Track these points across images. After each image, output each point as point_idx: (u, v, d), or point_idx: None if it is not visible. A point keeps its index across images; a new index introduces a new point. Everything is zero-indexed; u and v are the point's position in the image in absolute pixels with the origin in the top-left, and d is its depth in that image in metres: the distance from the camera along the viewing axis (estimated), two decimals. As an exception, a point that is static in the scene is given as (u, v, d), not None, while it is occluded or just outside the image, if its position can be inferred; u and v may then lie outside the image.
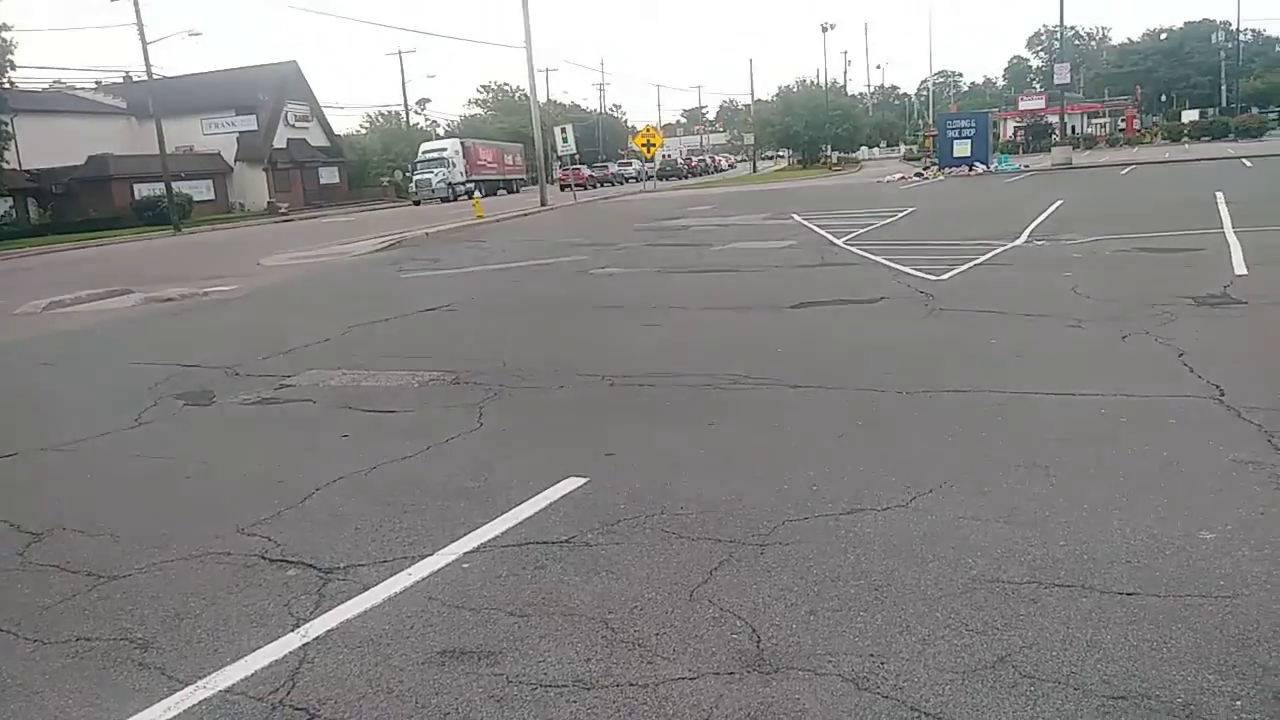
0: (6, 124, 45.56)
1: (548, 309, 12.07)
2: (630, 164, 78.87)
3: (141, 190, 52.34)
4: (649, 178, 59.35)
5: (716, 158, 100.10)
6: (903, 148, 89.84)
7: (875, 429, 5.77)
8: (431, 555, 4.23)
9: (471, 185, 59.34)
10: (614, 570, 3.97)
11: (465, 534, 4.43)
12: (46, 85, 58.74)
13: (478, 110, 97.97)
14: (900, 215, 21.73)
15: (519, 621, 3.58)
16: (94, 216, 49.40)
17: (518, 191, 67.85)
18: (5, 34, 44.12)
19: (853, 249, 15.33)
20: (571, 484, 5.00)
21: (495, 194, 62.88)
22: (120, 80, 60.54)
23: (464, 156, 61.76)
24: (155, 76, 46.33)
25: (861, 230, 18.30)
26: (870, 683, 3.01)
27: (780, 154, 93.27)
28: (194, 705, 3.15)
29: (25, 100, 50.29)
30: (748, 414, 6.35)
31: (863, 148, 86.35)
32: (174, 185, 46.79)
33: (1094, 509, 4.27)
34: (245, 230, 42.48)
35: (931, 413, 6.04)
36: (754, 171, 77.53)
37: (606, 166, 78.00)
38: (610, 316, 11.05)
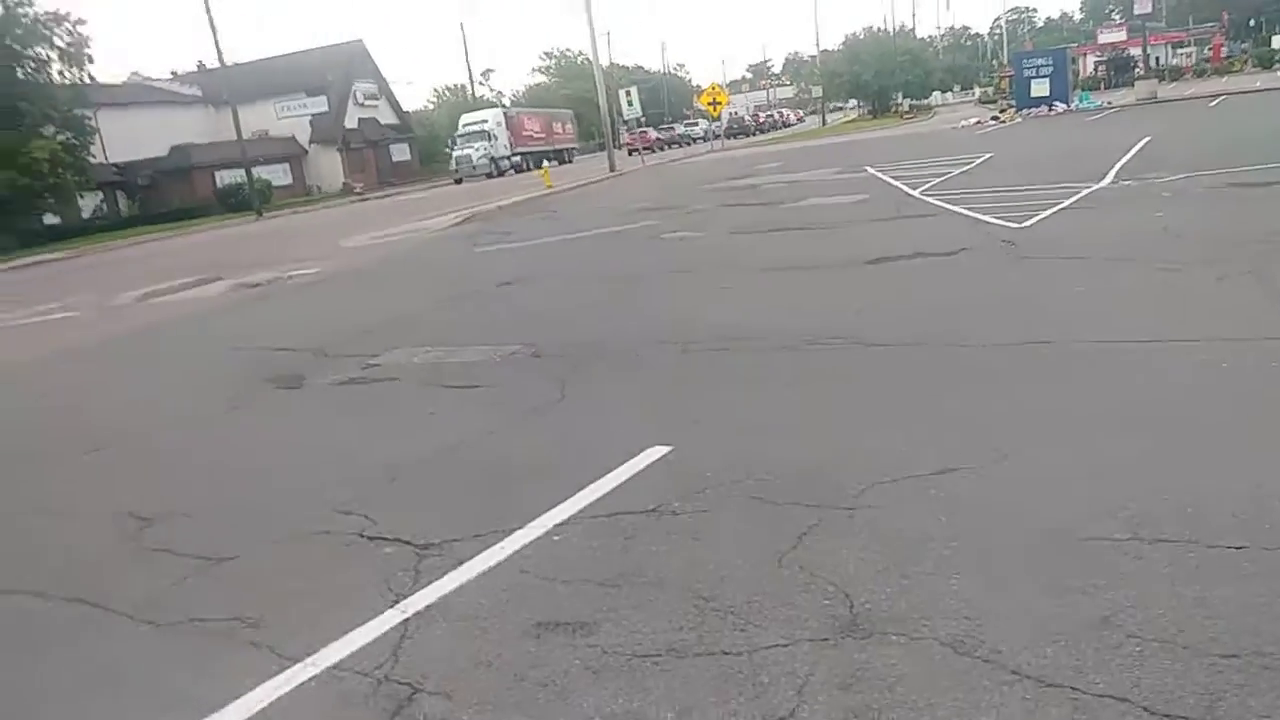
0: (90, 118, 47.17)
1: (622, 277, 12.07)
2: (697, 124, 78.08)
3: (223, 178, 53.82)
4: (716, 137, 58.67)
5: (784, 112, 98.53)
6: (977, 90, 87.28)
7: (961, 385, 5.66)
8: (522, 529, 4.29)
9: (517, 158, 56.64)
10: (702, 538, 3.98)
11: (553, 506, 4.48)
12: (125, 79, 60.57)
13: (542, 78, 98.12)
14: (977, 162, 21.13)
15: (611, 592, 3.62)
16: (179, 206, 50.98)
17: (570, 161, 64.71)
18: (81, 28, 45.54)
19: (929, 199, 14.97)
20: (656, 453, 5.02)
21: (544, 166, 61.05)
22: (195, 70, 62.12)
23: (507, 127, 58.07)
24: (227, 64, 47.37)
25: (937, 180, 17.86)
26: (968, 646, 2.98)
27: (850, 105, 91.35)
28: (304, 682, 3.27)
29: (105, 94, 51.94)
30: (828, 375, 6.28)
31: (935, 93, 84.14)
32: (253, 171, 47.90)
33: (1196, 461, 4.13)
34: (324, 212, 43.35)
35: (1019, 366, 5.90)
36: (823, 124, 76.07)
37: (673, 128, 77.39)
38: (685, 281, 11.01)
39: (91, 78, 48.17)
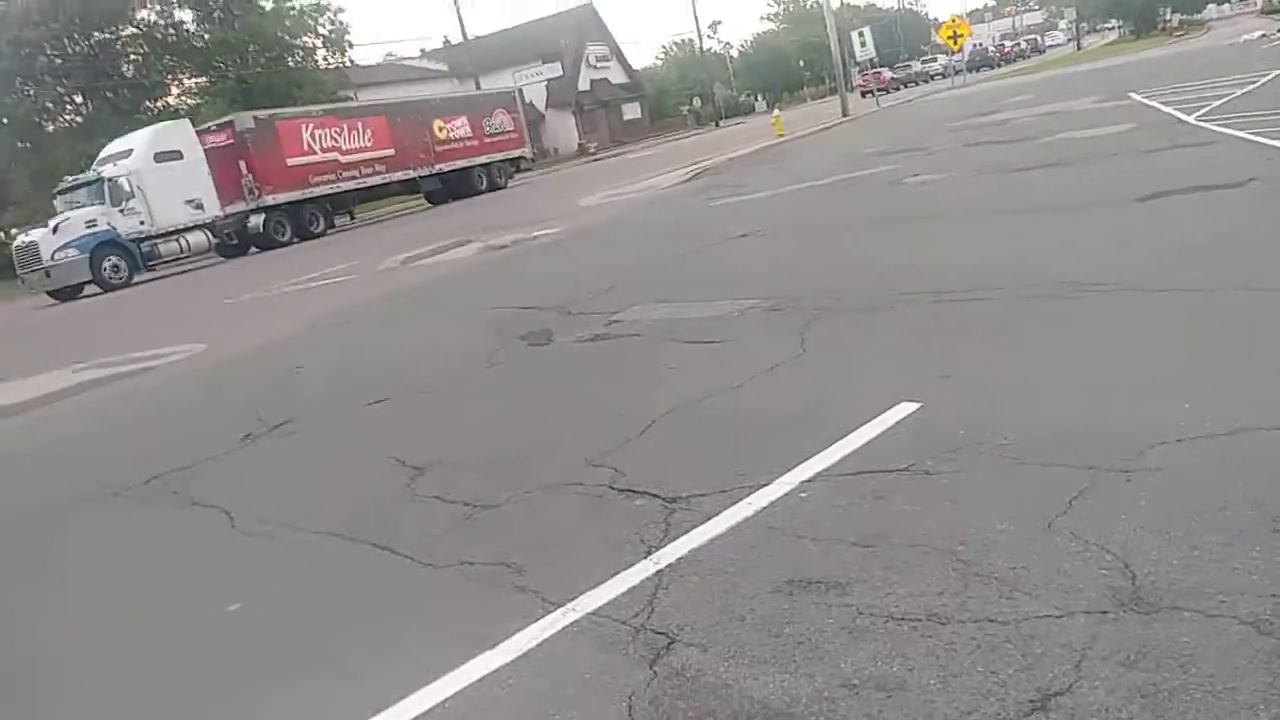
0: (353, 98, 51.33)
1: (860, 225, 11.71)
2: (935, 60, 74.30)
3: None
4: (957, 72, 55.63)
5: (1034, 39, 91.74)
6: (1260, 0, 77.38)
7: (1261, 336, 5.03)
8: (769, 485, 4.27)
9: (282, 215, 32.04)
10: (959, 500, 3.79)
11: (799, 463, 4.42)
12: (380, 60, 65.35)
13: (770, 26, 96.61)
14: (1264, 80, 18.77)
15: (863, 552, 3.53)
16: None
17: (501, 185, 40.70)
18: (340, 16, 49.68)
19: (1207, 125, 13.45)
20: (905, 409, 4.83)
21: (452, 198, 37.88)
22: (440, 46, 65.97)
23: (229, 158, 31.14)
24: (469, 39, 49.91)
25: (1217, 103, 16.02)
26: (1274, 626, 2.67)
27: (1109, 25, 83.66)
28: (567, 625, 3.42)
29: (363, 74, 56.27)
30: (1097, 326, 5.79)
31: (1209, 5, 75.45)
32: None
33: None
34: (562, 174, 45.02)
35: (1328, 311, 5.19)
36: (1078, 49, 70.13)
37: (909, 66, 74.18)
38: (928, 228, 10.52)
39: (352, 61, 52.40)
